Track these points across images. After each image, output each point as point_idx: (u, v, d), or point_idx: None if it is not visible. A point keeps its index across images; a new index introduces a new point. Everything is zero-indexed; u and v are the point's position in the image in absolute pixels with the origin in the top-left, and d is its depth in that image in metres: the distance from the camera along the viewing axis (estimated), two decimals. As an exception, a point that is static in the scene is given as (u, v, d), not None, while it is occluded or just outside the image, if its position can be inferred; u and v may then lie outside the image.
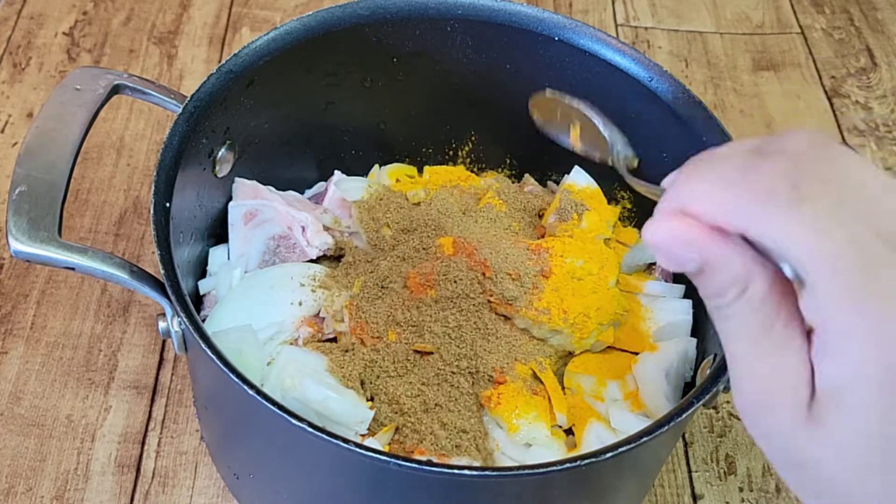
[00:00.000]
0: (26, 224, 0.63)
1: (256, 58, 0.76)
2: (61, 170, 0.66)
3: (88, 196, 0.98)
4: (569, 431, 0.75)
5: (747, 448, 0.85)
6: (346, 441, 0.55)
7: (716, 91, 1.16)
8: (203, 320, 0.75)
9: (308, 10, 0.83)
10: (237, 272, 0.78)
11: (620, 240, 0.86)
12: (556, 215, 0.82)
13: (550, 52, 0.82)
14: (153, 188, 0.66)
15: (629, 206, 0.88)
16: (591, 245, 0.79)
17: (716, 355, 0.69)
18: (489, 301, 0.75)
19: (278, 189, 0.85)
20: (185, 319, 0.61)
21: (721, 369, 0.63)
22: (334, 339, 0.77)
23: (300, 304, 0.76)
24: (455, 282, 0.74)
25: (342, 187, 0.85)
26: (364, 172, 0.91)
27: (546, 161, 0.90)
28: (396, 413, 0.71)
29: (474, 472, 0.56)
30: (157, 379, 0.85)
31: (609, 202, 0.86)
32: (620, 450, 0.57)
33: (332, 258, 0.83)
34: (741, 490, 0.82)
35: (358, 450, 0.55)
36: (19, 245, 0.62)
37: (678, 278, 0.85)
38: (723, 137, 0.74)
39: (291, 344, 0.75)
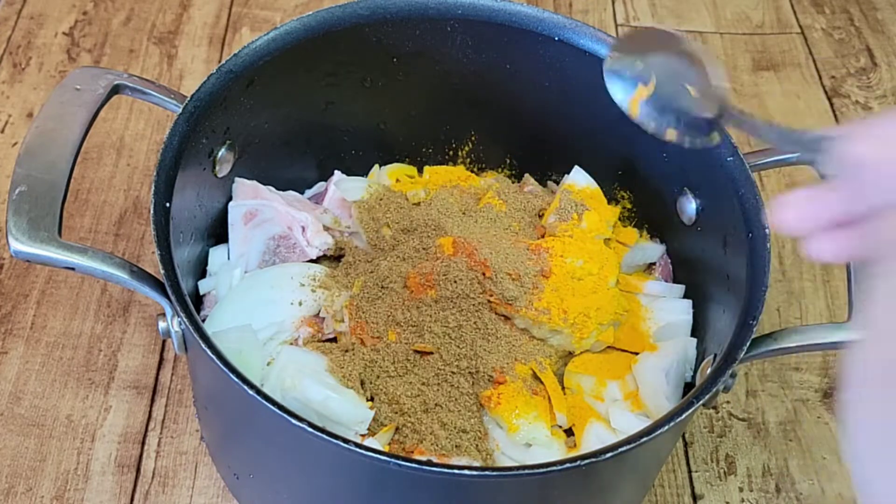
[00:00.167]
0: (26, 224, 0.63)
1: (256, 58, 0.76)
2: (61, 170, 0.66)
3: (88, 196, 0.98)
4: (569, 431, 0.75)
5: (747, 448, 0.85)
6: (346, 441, 0.55)
7: (716, 91, 1.16)
8: (203, 320, 0.75)
9: (308, 10, 0.82)
10: (237, 272, 0.78)
11: (620, 240, 0.86)
12: (556, 215, 0.82)
13: (550, 52, 0.82)
14: (153, 188, 0.66)
15: (629, 206, 0.88)
16: (591, 245, 0.79)
17: (715, 355, 0.69)
18: (489, 301, 0.75)
19: (278, 189, 0.85)
20: (185, 319, 0.61)
21: (721, 369, 0.63)
22: (334, 339, 0.77)
23: (300, 304, 0.76)
24: (455, 282, 0.74)
25: (342, 187, 0.85)
26: (364, 172, 0.91)
27: (546, 161, 0.90)
28: (396, 413, 0.71)
29: (474, 472, 0.56)
30: (157, 379, 0.85)
31: (609, 202, 0.86)
32: (620, 450, 0.57)
33: (332, 258, 0.83)
34: (741, 490, 0.82)
35: (358, 450, 0.55)
36: (19, 245, 0.62)
37: (678, 278, 0.85)
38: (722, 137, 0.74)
39: (291, 344, 0.75)
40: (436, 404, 0.71)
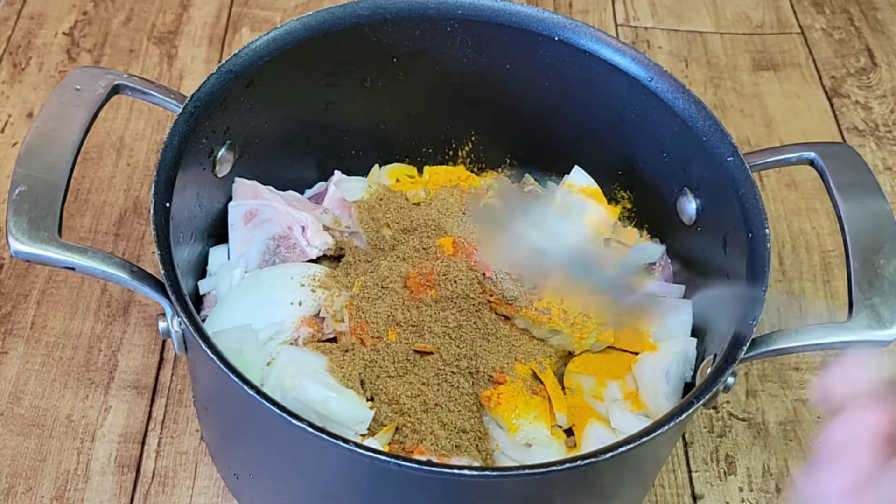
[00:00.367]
0: (26, 224, 0.63)
1: (256, 58, 0.76)
2: (61, 170, 0.66)
3: (88, 196, 0.98)
4: (569, 431, 0.75)
5: (747, 448, 0.85)
6: (346, 441, 0.55)
7: (716, 91, 1.16)
8: (203, 320, 0.75)
9: (308, 10, 0.82)
10: (237, 272, 0.78)
11: (620, 240, 0.86)
12: (556, 215, 0.82)
13: (550, 52, 0.82)
14: (153, 188, 0.66)
15: (629, 206, 0.88)
16: (591, 245, 0.79)
17: (715, 355, 0.69)
18: (489, 301, 0.75)
19: (278, 189, 0.85)
20: (185, 319, 0.61)
21: (721, 369, 0.63)
22: (334, 339, 0.77)
23: (300, 304, 0.76)
24: (455, 282, 0.74)
25: (342, 187, 0.85)
26: (364, 172, 0.91)
27: (546, 161, 0.90)
28: (396, 413, 0.71)
29: (474, 472, 0.56)
30: (157, 379, 0.85)
31: (609, 202, 0.86)
32: (620, 450, 0.57)
33: (332, 258, 0.83)
34: (741, 490, 0.82)
35: (358, 450, 0.55)
36: (19, 245, 0.62)
37: (678, 278, 0.85)
38: (723, 137, 0.74)
39: (291, 344, 0.75)
40: (436, 404, 0.71)
